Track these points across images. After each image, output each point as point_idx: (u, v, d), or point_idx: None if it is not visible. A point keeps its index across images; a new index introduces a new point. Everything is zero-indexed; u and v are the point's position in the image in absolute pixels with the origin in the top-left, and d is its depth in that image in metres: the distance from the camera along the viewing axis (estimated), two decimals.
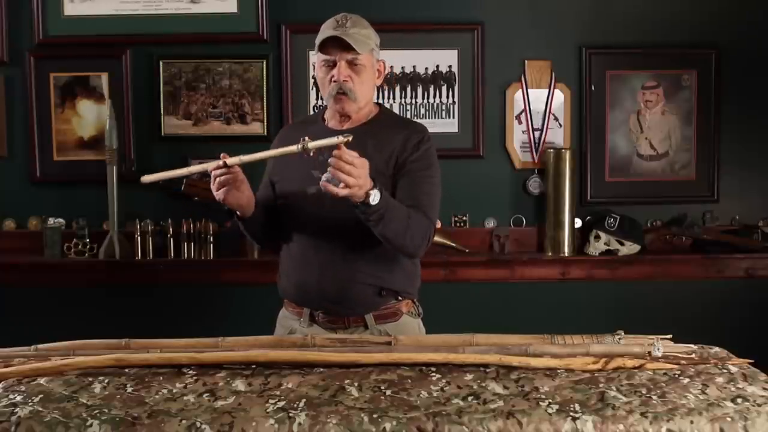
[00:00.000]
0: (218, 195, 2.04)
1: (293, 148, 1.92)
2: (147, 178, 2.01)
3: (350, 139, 1.88)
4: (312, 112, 3.34)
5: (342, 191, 1.90)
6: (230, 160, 1.99)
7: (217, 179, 2.01)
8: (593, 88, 3.43)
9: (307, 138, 1.91)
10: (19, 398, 1.65)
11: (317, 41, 2.14)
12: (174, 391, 1.70)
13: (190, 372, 1.81)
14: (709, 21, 3.43)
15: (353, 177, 1.88)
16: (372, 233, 2.03)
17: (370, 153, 2.03)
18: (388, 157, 2.14)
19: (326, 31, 2.13)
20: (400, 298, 2.22)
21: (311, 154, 1.93)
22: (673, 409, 1.58)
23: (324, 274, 2.16)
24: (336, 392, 1.68)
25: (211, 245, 3.30)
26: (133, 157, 3.37)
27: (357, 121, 2.20)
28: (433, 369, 1.82)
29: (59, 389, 1.71)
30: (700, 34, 3.43)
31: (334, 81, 2.13)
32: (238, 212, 2.14)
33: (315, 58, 2.20)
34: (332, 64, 2.13)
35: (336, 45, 2.11)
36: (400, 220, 2.03)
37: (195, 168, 2.04)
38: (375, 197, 1.94)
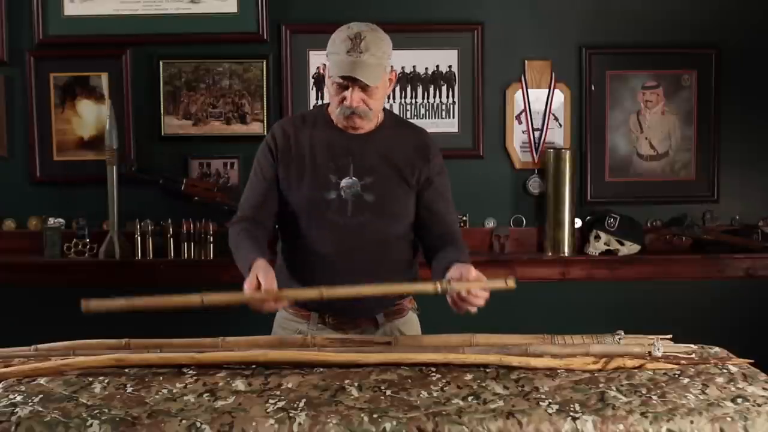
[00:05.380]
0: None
1: (429, 288, 1.90)
2: (90, 307, 1.88)
3: (514, 286, 1.91)
4: None
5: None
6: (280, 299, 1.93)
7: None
8: (593, 88, 3.43)
9: (449, 278, 1.91)
10: (19, 398, 1.65)
11: (329, 63, 2.06)
12: (174, 391, 1.70)
13: (190, 372, 1.82)
14: (709, 21, 3.43)
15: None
16: (393, 242, 2.12)
17: (384, 156, 2.05)
18: (411, 170, 2.14)
19: (338, 56, 2.01)
20: (404, 296, 2.26)
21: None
22: (673, 409, 1.58)
23: (341, 282, 2.01)
24: (336, 392, 1.68)
25: (211, 245, 3.29)
26: (133, 157, 3.36)
27: (367, 128, 2.15)
28: (433, 369, 1.83)
29: (59, 389, 1.71)
30: (700, 34, 3.43)
31: (347, 105, 2.05)
32: None
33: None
34: (344, 87, 2.04)
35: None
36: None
37: (155, 301, 1.95)
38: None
